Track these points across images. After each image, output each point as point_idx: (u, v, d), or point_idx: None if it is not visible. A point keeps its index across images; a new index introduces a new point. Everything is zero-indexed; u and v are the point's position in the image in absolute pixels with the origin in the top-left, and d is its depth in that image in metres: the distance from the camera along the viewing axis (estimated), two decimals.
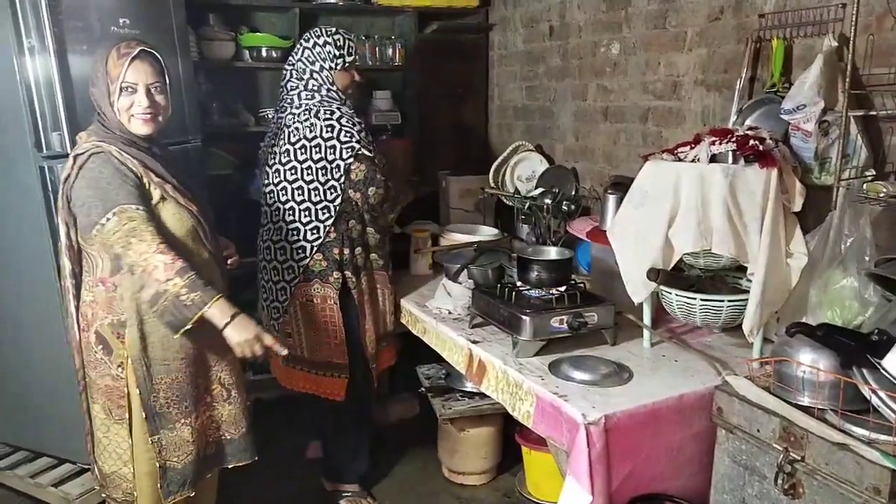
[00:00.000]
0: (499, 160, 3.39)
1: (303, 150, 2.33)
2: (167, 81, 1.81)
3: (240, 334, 1.73)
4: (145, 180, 1.74)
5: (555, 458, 1.91)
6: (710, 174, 1.75)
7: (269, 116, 2.49)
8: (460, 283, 2.49)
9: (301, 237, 2.37)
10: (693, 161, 1.82)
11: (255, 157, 3.14)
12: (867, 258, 1.66)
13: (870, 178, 1.85)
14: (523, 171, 3.36)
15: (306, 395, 2.46)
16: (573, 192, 3.06)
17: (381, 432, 2.80)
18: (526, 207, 3.05)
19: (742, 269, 1.94)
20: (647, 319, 2.02)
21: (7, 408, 2.58)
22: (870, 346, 1.45)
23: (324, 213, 2.35)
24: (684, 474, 1.78)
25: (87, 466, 2.40)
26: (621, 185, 2.40)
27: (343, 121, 2.33)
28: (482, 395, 2.48)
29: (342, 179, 2.32)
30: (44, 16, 2.04)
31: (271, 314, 2.44)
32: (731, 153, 1.77)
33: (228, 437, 1.97)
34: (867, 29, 1.89)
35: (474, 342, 2.13)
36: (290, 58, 2.45)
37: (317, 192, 2.34)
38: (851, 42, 1.84)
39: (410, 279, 2.84)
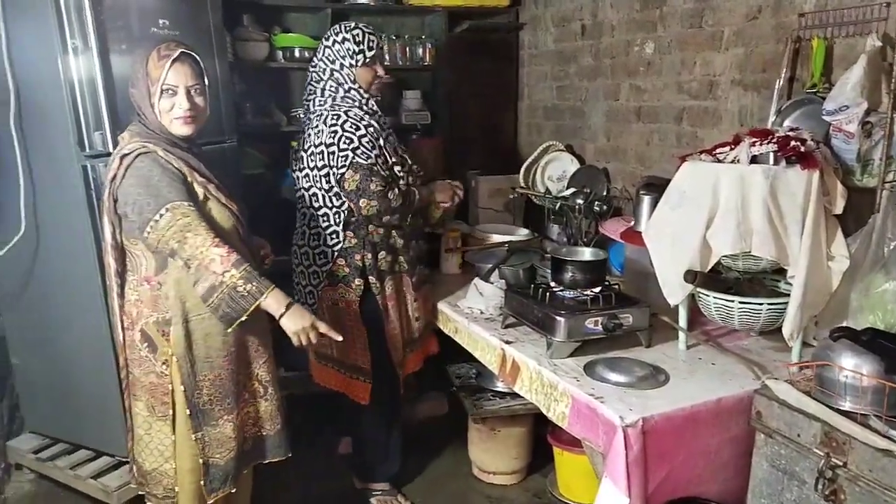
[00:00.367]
0: (529, 160, 3.38)
1: (312, 157, 2.32)
2: (206, 83, 1.84)
3: (295, 323, 1.76)
4: (189, 179, 1.77)
5: (590, 459, 1.91)
6: (751, 175, 1.73)
7: (301, 116, 2.51)
8: (492, 283, 2.50)
9: (322, 242, 2.37)
10: (733, 162, 1.81)
11: (286, 156, 3.18)
12: None
13: None
14: (554, 172, 3.35)
15: (337, 393, 2.49)
16: (605, 193, 3.04)
17: (411, 430, 2.81)
18: (557, 207, 3.04)
19: (780, 272, 1.92)
20: (682, 322, 2.01)
21: (49, 401, 2.64)
22: None
23: (336, 220, 2.34)
24: (721, 478, 1.76)
25: (124, 459, 2.45)
26: (655, 186, 2.38)
27: (346, 126, 2.28)
28: (514, 395, 2.48)
29: (340, 187, 2.29)
30: (87, 16, 2.07)
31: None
32: (772, 154, 1.75)
33: (264, 434, 2.00)
34: None
35: (507, 342, 2.13)
36: (314, 58, 2.43)
37: (328, 199, 2.33)
38: None
39: (441, 278, 2.85)
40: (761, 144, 1.79)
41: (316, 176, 2.32)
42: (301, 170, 2.37)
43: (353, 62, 2.35)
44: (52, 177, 2.28)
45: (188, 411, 1.82)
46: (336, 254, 2.35)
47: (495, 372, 2.22)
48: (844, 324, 1.76)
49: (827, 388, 1.53)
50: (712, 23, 2.54)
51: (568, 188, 3.16)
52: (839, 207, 1.80)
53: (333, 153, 2.26)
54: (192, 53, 1.80)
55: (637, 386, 1.77)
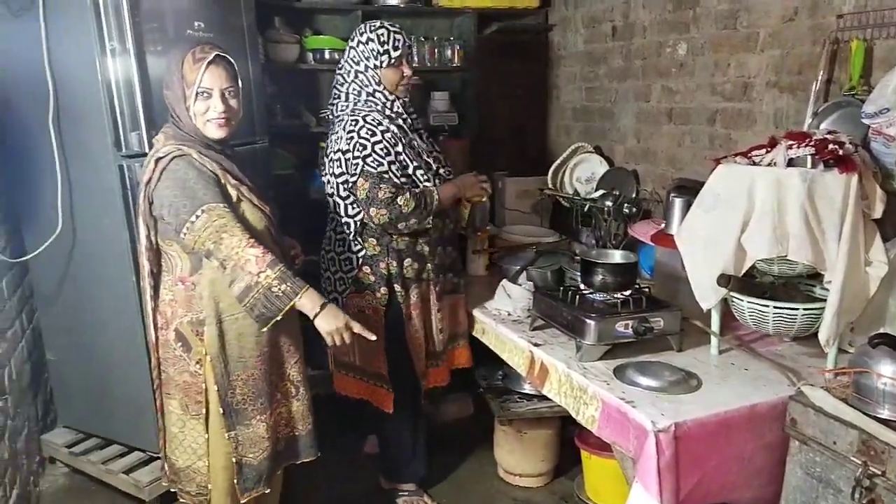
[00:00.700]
0: (557, 161, 3.37)
1: (332, 164, 2.29)
2: (240, 85, 1.85)
3: (329, 323, 1.77)
4: (223, 181, 1.79)
5: (620, 463, 1.90)
6: (788, 179, 1.71)
7: (329, 118, 2.52)
8: (519, 285, 2.49)
9: (346, 249, 2.34)
10: (769, 165, 1.78)
11: (315, 157, 3.21)
12: None
13: None
14: (582, 173, 3.34)
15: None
16: (634, 195, 3.02)
17: (437, 431, 2.81)
18: (585, 209, 3.03)
19: (815, 277, 1.89)
20: (715, 326, 1.98)
21: (82, 397, 2.68)
22: None
23: (358, 227, 2.30)
24: (754, 485, 1.74)
25: (156, 455, 2.48)
26: (686, 189, 2.36)
27: (362, 132, 2.23)
28: (540, 397, 2.48)
29: (355, 195, 2.26)
30: (125, 19, 2.10)
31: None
32: (809, 157, 1.73)
33: (297, 434, 2.02)
34: None
35: (536, 345, 2.12)
36: (341, 60, 2.38)
37: (347, 207, 2.30)
38: None
39: (468, 280, 2.84)
40: (798, 147, 1.77)
41: (335, 184, 2.29)
42: (324, 175, 2.35)
43: (378, 63, 2.29)
44: (89, 176, 2.31)
45: (221, 410, 1.83)
46: (361, 261, 2.33)
47: (523, 374, 2.21)
48: (882, 330, 1.73)
49: (864, 395, 1.51)
50: (747, 24, 2.51)
51: (596, 190, 3.14)
52: (878, 212, 1.76)
53: (349, 160, 2.23)
54: (227, 56, 1.81)
55: (669, 390, 1.76)
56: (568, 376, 1.94)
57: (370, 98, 2.30)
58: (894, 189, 1.87)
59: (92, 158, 2.28)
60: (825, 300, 1.75)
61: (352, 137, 2.23)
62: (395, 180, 2.23)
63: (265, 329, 1.77)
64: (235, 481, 1.87)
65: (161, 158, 1.74)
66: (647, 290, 2.14)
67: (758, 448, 1.71)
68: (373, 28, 2.30)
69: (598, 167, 3.31)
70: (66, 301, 2.55)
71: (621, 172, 3.18)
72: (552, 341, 2.13)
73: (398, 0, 3.44)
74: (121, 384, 2.50)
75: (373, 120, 2.26)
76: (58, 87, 2.24)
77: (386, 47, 2.28)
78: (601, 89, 3.44)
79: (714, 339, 2.00)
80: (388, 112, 2.31)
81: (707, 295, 1.90)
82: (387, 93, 2.31)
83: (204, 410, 1.85)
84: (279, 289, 1.69)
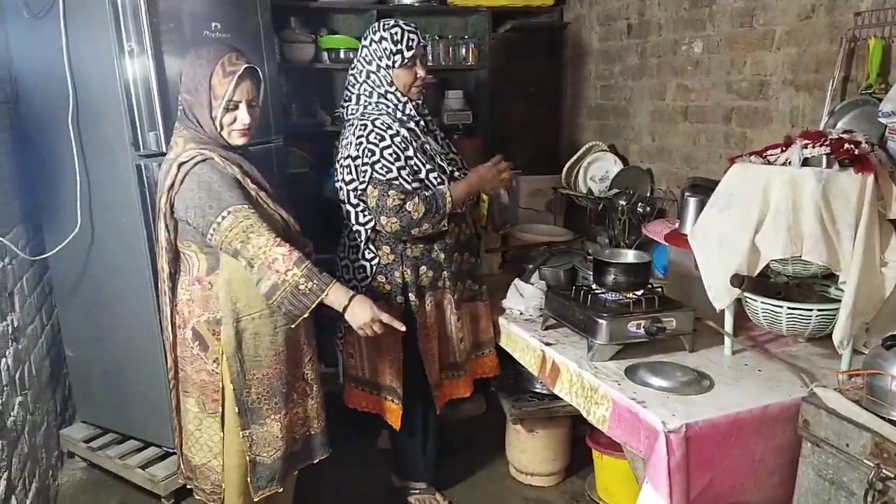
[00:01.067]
0: (571, 160, 3.37)
1: (342, 170, 2.23)
2: (261, 94, 1.86)
3: (358, 317, 1.81)
4: (243, 184, 1.80)
5: (630, 464, 1.89)
6: (803, 178, 1.69)
7: (342, 118, 2.51)
8: (532, 284, 2.49)
9: (360, 256, 2.26)
10: (784, 164, 1.77)
11: (330, 156, 3.22)
12: None
13: None
14: (596, 172, 3.33)
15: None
16: (648, 194, 3.01)
17: (449, 430, 2.82)
18: (599, 208, 3.02)
19: (830, 277, 1.87)
20: (728, 327, 1.97)
21: (100, 392, 2.72)
22: None
23: (370, 235, 2.24)
24: (765, 486, 1.73)
25: (171, 450, 2.52)
26: (701, 188, 2.34)
27: (371, 137, 2.15)
28: (552, 397, 2.47)
29: (365, 204, 2.19)
30: (143, 20, 2.13)
31: (336, 333, 2.37)
32: (824, 157, 1.71)
33: (312, 433, 2.03)
34: None
35: (548, 344, 2.12)
36: (353, 60, 2.31)
37: (358, 216, 2.23)
38: None
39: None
40: (814, 146, 1.75)
41: (346, 191, 2.23)
42: (337, 181, 2.28)
43: (391, 63, 2.20)
44: (107, 175, 2.35)
45: (237, 409, 1.85)
46: (375, 269, 2.25)
47: (535, 373, 2.21)
48: None
49: (878, 397, 1.49)
50: (763, 22, 2.49)
51: (610, 189, 3.14)
52: (894, 212, 1.74)
53: (358, 167, 2.17)
54: (255, 67, 1.81)
55: (680, 391, 1.75)
56: (579, 376, 1.94)
57: (381, 100, 2.23)
58: None
59: (110, 158, 2.32)
60: (840, 301, 1.74)
61: (360, 143, 2.16)
62: (406, 186, 2.15)
63: (294, 326, 1.79)
64: (249, 479, 1.89)
65: (185, 163, 1.75)
66: (659, 289, 2.13)
67: (770, 449, 1.70)
68: (386, 27, 2.22)
69: (613, 166, 3.30)
70: (85, 298, 2.59)
71: (636, 171, 3.17)
72: (564, 341, 2.13)
73: None
74: (137, 380, 2.54)
75: (382, 124, 2.18)
76: (77, 88, 2.27)
77: (399, 47, 2.20)
78: (616, 87, 3.43)
79: (727, 340, 1.99)
80: (399, 115, 2.24)
81: (720, 295, 1.89)
82: (399, 94, 2.23)
83: (220, 409, 1.87)
84: (306, 286, 1.71)
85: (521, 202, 3.43)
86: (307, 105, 3.39)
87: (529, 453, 2.67)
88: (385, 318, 1.84)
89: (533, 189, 3.43)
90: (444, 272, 2.30)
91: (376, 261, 2.25)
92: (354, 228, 2.26)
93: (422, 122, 2.31)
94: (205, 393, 1.87)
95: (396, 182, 2.14)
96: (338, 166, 2.26)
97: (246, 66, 1.77)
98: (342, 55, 3.32)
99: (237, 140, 1.83)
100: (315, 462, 2.07)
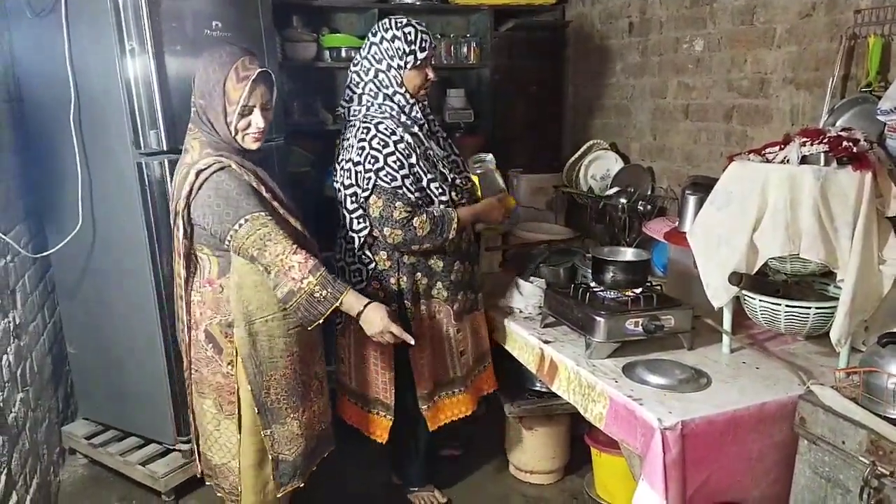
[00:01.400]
0: (572, 158, 3.37)
1: (342, 173, 2.17)
2: (273, 97, 1.85)
3: (372, 326, 1.82)
4: (259, 192, 1.80)
5: (627, 461, 1.90)
6: (801, 176, 1.69)
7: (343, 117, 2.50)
8: (531, 282, 2.49)
9: (356, 260, 2.22)
10: (782, 162, 1.77)
11: (331, 154, 3.22)
12: None
13: None
14: (597, 170, 3.33)
15: None
16: (649, 192, 3.01)
17: (447, 428, 2.81)
18: (600, 206, 3.02)
19: (829, 275, 1.87)
20: (727, 325, 1.97)
21: (101, 389, 2.73)
22: None
23: (367, 241, 2.19)
24: (762, 484, 1.73)
25: (171, 447, 2.54)
26: (701, 186, 2.34)
27: (374, 142, 2.07)
28: (551, 395, 2.46)
29: (366, 211, 2.13)
30: (144, 19, 2.13)
31: (334, 330, 2.33)
32: (822, 155, 1.71)
33: (325, 427, 2.05)
34: None
35: (546, 342, 2.13)
36: (356, 56, 2.22)
37: (353, 221, 2.18)
38: None
39: (481, 279, 2.85)
40: (812, 144, 1.75)
41: (343, 194, 2.17)
42: (336, 182, 2.22)
43: (402, 63, 2.13)
44: (109, 174, 2.35)
45: (256, 409, 1.86)
46: (370, 273, 2.21)
47: (533, 371, 2.22)
48: (895, 329, 1.71)
49: (874, 395, 1.49)
50: (764, 20, 2.48)
51: (611, 187, 3.13)
52: (893, 209, 1.74)
53: (359, 172, 2.10)
54: (268, 71, 1.80)
55: (677, 388, 1.75)
56: (577, 374, 1.94)
57: (387, 102, 2.16)
58: None
59: (111, 156, 2.32)
60: (838, 299, 1.74)
61: (363, 148, 2.09)
62: (410, 196, 2.09)
63: (311, 328, 1.80)
64: (272, 477, 1.92)
65: (203, 170, 1.75)
66: (658, 287, 2.13)
67: (767, 447, 1.70)
68: (399, 25, 2.13)
69: (614, 164, 3.30)
70: (86, 295, 2.61)
71: (636, 169, 3.17)
72: (562, 339, 2.14)
73: None
74: (138, 378, 2.55)
75: (385, 129, 2.10)
76: (79, 87, 2.28)
77: (413, 48, 2.13)
78: (617, 86, 3.43)
79: (726, 338, 1.99)
80: (404, 118, 2.17)
81: (719, 293, 1.89)
82: (407, 96, 2.16)
83: (236, 410, 1.88)
84: (321, 294, 1.72)
85: (523, 200, 3.42)
86: (309, 104, 3.39)
87: (529, 451, 2.67)
88: (396, 329, 1.83)
89: (534, 187, 3.43)
90: (441, 282, 2.25)
91: (372, 266, 2.21)
92: (349, 234, 2.21)
93: (426, 125, 2.26)
94: (221, 395, 1.88)
95: (401, 191, 2.08)
96: (337, 167, 2.22)
97: (259, 70, 1.77)
98: (344, 54, 3.32)
99: (251, 144, 1.83)
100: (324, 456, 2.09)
